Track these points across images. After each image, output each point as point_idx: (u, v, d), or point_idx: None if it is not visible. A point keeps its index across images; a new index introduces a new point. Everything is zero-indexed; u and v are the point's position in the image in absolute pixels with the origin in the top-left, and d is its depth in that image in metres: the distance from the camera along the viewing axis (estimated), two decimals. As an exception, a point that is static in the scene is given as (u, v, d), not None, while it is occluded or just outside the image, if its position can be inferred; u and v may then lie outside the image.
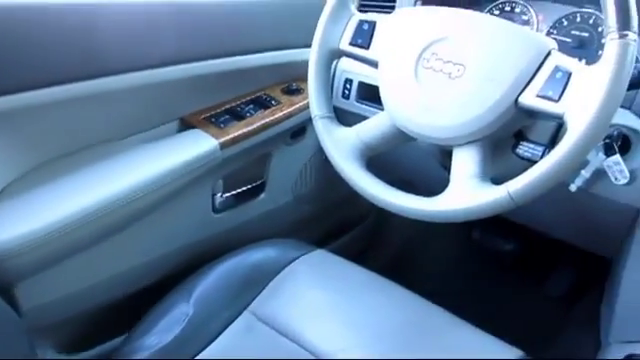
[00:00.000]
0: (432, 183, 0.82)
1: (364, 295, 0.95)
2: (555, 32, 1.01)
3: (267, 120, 1.13)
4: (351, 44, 0.90)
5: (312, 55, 0.92)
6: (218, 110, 1.13)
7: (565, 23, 1.01)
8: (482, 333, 0.88)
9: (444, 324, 0.90)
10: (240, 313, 0.91)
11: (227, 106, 1.15)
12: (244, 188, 1.19)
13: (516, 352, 0.84)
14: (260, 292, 0.95)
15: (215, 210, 1.14)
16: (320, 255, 1.05)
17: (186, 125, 1.10)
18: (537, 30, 1.04)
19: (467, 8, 0.83)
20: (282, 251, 1.04)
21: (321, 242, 1.41)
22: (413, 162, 1.10)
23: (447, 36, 0.80)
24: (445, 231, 1.62)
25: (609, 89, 0.66)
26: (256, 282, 0.96)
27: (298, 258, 1.01)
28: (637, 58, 0.86)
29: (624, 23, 0.66)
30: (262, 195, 1.22)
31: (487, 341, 0.87)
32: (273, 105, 1.16)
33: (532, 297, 1.51)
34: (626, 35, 0.66)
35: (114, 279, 1.02)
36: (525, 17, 1.06)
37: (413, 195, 0.81)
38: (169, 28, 1.03)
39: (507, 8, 1.08)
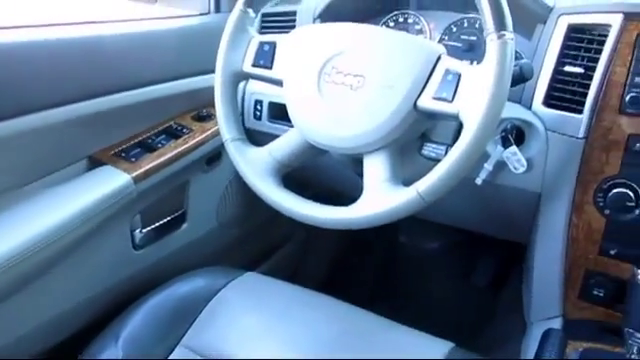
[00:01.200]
0: (351, 192, 0.84)
1: (298, 312, 0.96)
2: (446, 38, 1.08)
3: (180, 149, 1.11)
4: (254, 65, 0.91)
5: (216, 80, 0.93)
6: (128, 144, 1.11)
7: (454, 29, 1.07)
8: (414, 331, 0.91)
9: (378, 328, 0.92)
10: (173, 348, 0.89)
11: (137, 139, 1.12)
12: (164, 220, 1.17)
13: (447, 344, 0.87)
14: (192, 324, 0.92)
15: (135, 247, 1.11)
16: (250, 278, 1.04)
17: (95, 163, 1.06)
18: (430, 38, 1.10)
19: (364, 22, 0.87)
20: (210, 279, 1.02)
21: (252, 265, 1.40)
22: (331, 174, 1.12)
23: (345, 50, 0.84)
24: (374, 239, 1.66)
25: (494, 86, 0.71)
26: (186, 314, 0.94)
27: (228, 284, 1.00)
28: (518, 55, 0.95)
29: (500, 24, 0.71)
30: (184, 225, 1.20)
31: (419, 338, 0.89)
32: (185, 133, 1.15)
33: (461, 290, 1.57)
34: (503, 35, 0.71)
35: (37, 331, 0.96)
36: (418, 27, 1.12)
37: (329, 206, 0.83)
38: (70, 64, 1.00)
39: (401, 19, 1.14)
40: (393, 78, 0.78)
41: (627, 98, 0.83)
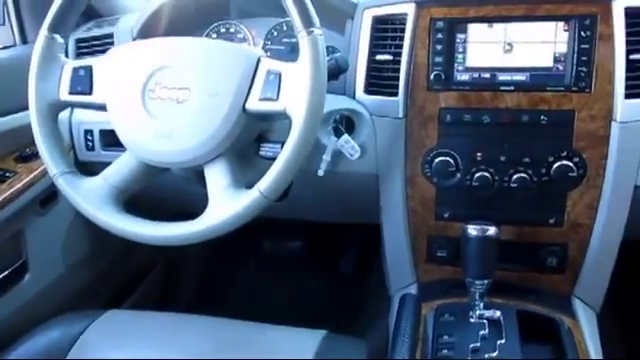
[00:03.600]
0: (203, 206, 0.83)
1: (168, 338, 0.92)
2: (269, 43, 1.12)
3: (5, 195, 1.02)
4: (71, 93, 0.87)
5: (31, 114, 0.87)
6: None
7: (275, 33, 1.11)
8: (288, 328, 0.92)
9: (251, 334, 0.92)
10: None
11: (-45, 192, 1.01)
12: (1, 276, 1.06)
13: (320, 333, 0.90)
14: None
15: (-28, 310, 1.00)
16: (112, 316, 0.98)
17: None
18: (254, 45, 1.13)
19: (187, 35, 0.87)
20: (67, 327, 0.94)
21: (114, 303, 1.33)
22: (178, 192, 1.10)
23: (167, 64, 0.83)
24: (238, 249, 1.66)
25: (312, 80, 0.75)
26: None
27: (87, 328, 0.93)
28: (333, 49, 1.01)
29: (307, 22, 0.76)
30: (27, 276, 1.10)
31: (293, 333, 0.91)
32: (8, 177, 1.05)
33: (330, 280, 1.63)
34: (312, 31, 0.76)
35: None
36: (240, 35, 1.14)
37: (176, 222, 0.81)
38: None
39: (222, 30, 1.15)
40: (217, 86, 0.79)
41: (431, 77, 0.93)
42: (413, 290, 1.03)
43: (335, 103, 0.97)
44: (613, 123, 0.88)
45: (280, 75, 0.78)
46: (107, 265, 1.33)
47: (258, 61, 0.80)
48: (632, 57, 0.86)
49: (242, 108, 0.80)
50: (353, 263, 1.63)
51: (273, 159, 0.78)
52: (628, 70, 0.87)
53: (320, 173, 0.97)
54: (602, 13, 0.87)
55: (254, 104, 0.79)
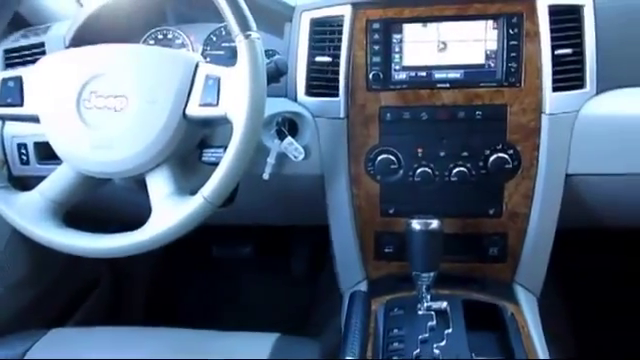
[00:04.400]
0: (147, 215, 0.82)
1: (118, 353, 0.90)
2: (209, 48, 1.11)
3: None
4: (1, 105, 0.83)
5: None
6: None
7: (214, 39, 1.11)
8: (241, 333, 0.92)
9: (204, 342, 0.91)
10: None
11: None
12: None
13: (273, 336, 0.90)
14: None
15: None
16: (56, 335, 0.95)
17: None
18: (193, 50, 1.12)
19: (123, 42, 0.85)
20: (8, 349, 0.90)
21: (61, 320, 1.28)
22: (121, 202, 1.07)
23: (103, 72, 0.81)
24: (188, 258, 1.64)
25: (251, 83, 0.75)
26: None
27: (30, 349, 0.90)
28: (272, 53, 1.01)
29: (244, 26, 0.76)
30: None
31: (245, 338, 0.91)
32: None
33: (284, 283, 1.63)
34: (249, 35, 0.76)
35: None
36: (179, 41, 1.12)
37: (119, 233, 0.80)
38: None
39: (160, 36, 1.13)
40: (155, 93, 0.78)
41: (370, 77, 0.95)
42: (363, 287, 1.04)
43: (277, 106, 0.97)
44: (543, 115, 0.92)
45: (219, 80, 0.78)
46: (50, 282, 1.28)
47: (196, 66, 0.80)
48: (557, 52, 0.91)
49: (182, 114, 0.79)
50: (304, 264, 1.64)
51: (216, 164, 0.78)
52: (554, 65, 0.91)
53: (265, 176, 0.97)
54: (527, 11, 0.92)
55: (194, 110, 0.79)
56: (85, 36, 1.07)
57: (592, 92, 0.92)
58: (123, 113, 0.79)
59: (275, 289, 1.61)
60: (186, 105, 0.79)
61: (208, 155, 0.89)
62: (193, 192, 0.80)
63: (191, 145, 0.88)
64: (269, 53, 1.01)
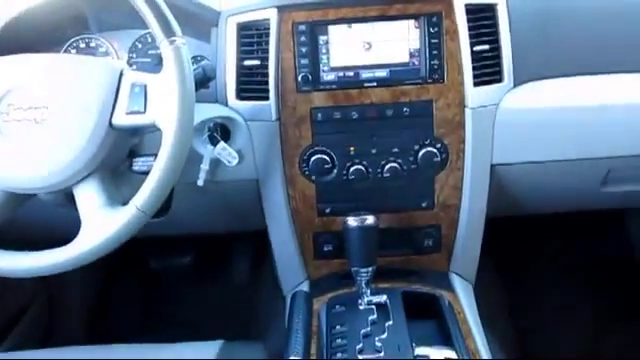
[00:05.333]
0: (78, 229, 0.79)
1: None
2: (135, 56, 1.08)
3: None
4: None
5: None
6: None
7: (140, 46, 1.08)
8: (184, 344, 0.91)
9: (147, 356, 0.89)
10: None
11: None
12: None
13: (217, 343, 0.89)
14: None
15: None
16: None
17: None
18: (118, 58, 1.09)
19: (42, 52, 0.82)
20: None
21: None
22: (50, 218, 1.03)
23: (20, 84, 0.78)
24: (125, 272, 1.59)
25: (179, 89, 0.74)
26: None
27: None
28: (200, 58, 1.01)
29: (168, 31, 0.75)
30: None
31: (189, 347, 0.89)
32: None
33: (227, 291, 1.61)
34: (174, 41, 0.75)
35: None
36: (103, 49, 1.09)
37: (49, 250, 0.77)
38: None
39: (82, 45, 1.09)
40: (78, 103, 0.76)
41: (299, 78, 0.96)
42: (305, 287, 1.05)
43: (208, 111, 0.96)
44: (466, 109, 0.96)
45: (146, 87, 0.77)
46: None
47: (121, 74, 0.78)
48: (476, 49, 0.96)
49: (109, 123, 0.77)
50: (246, 270, 1.63)
51: (147, 173, 0.76)
52: (474, 61, 0.95)
53: (200, 183, 0.96)
54: (446, 10, 0.96)
55: (121, 118, 0.77)
56: (2, 47, 1.02)
57: (510, 85, 0.97)
58: (45, 125, 0.76)
59: (218, 298, 1.59)
60: (112, 114, 0.77)
61: (139, 164, 0.87)
62: (125, 203, 0.78)
63: (120, 155, 0.86)
64: (197, 59, 1.00)
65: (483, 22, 0.96)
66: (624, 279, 1.60)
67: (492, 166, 1.00)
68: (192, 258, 1.56)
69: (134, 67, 1.04)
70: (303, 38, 0.96)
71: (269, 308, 1.35)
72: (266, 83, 0.96)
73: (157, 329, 1.49)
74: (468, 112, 0.96)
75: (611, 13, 1.02)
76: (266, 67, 0.96)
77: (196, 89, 0.80)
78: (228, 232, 1.30)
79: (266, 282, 1.56)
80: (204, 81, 0.89)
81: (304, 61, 0.96)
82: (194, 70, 0.83)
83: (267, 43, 0.96)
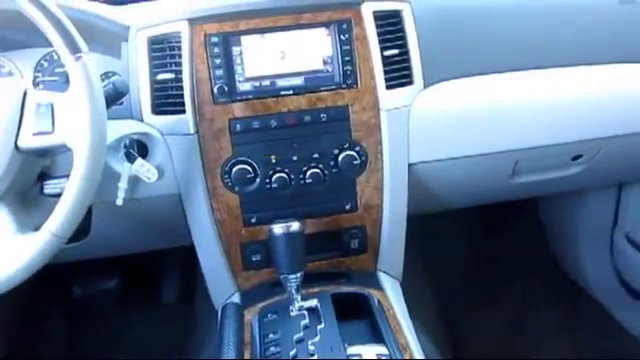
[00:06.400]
0: None
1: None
2: (41, 75, 1.03)
3: None
4: None
5: None
6: None
7: (46, 64, 1.03)
8: None
9: None
10: None
11: None
12: None
13: None
14: None
15: None
16: None
17: None
18: (22, 77, 1.04)
19: None
20: None
21: None
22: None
23: None
24: (47, 302, 1.51)
25: (89, 106, 0.72)
26: None
27: None
28: (110, 74, 0.98)
29: (72, 48, 0.73)
30: None
31: None
32: None
33: (160, 313, 1.57)
34: (80, 57, 0.73)
35: None
36: (6, 69, 1.03)
37: None
38: None
39: (-17, 65, 1.04)
40: None
41: (215, 90, 0.96)
42: (236, 299, 1.04)
43: (123, 128, 0.94)
44: (381, 112, 1.00)
45: (53, 106, 0.74)
46: None
47: (25, 94, 0.75)
48: (386, 53, 0.99)
49: (14, 146, 0.74)
50: (177, 288, 1.59)
51: (60, 195, 0.73)
52: (385, 65, 0.99)
53: (119, 202, 0.93)
54: (355, 18, 0.99)
55: (27, 140, 0.74)
56: None
57: (420, 87, 1.02)
58: None
59: (150, 319, 1.54)
60: (17, 136, 0.74)
61: (50, 187, 0.83)
62: (38, 228, 0.75)
63: (29, 178, 0.82)
64: (108, 75, 0.97)
65: (391, 28, 1.00)
66: (540, 266, 1.71)
67: (410, 165, 1.04)
68: (118, 281, 1.51)
69: (41, 86, 1.00)
70: (216, 49, 0.96)
71: (203, 324, 1.33)
72: (181, 96, 0.95)
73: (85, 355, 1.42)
74: (383, 114, 1.00)
75: (513, 14, 1.09)
76: (180, 80, 0.95)
77: (108, 106, 0.78)
78: (154, 251, 1.27)
79: (198, 298, 1.53)
80: (115, 97, 0.86)
81: (219, 72, 0.96)
82: (104, 86, 0.80)
83: (180, 56, 0.95)
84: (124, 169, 0.93)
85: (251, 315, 0.96)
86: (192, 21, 0.95)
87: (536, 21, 1.10)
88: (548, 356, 1.43)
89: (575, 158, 1.18)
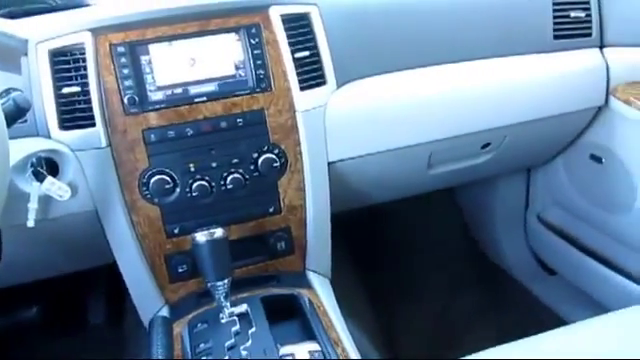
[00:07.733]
0: None
1: None
2: None
3: None
4: None
5: None
6: None
7: None
8: None
9: None
10: None
11: None
12: None
13: None
14: None
15: None
16: None
17: None
18: None
19: None
20: None
21: None
22: None
23: None
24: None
25: None
26: None
27: None
28: (13, 90, 0.93)
29: None
30: None
31: None
32: None
33: (88, 336, 1.50)
34: None
35: None
36: None
37: None
38: None
39: None
40: None
41: (126, 101, 0.93)
42: (165, 312, 1.02)
43: (28, 146, 0.90)
44: (297, 114, 1.01)
45: None
46: None
47: None
48: (297, 56, 1.01)
49: None
50: (103, 308, 1.53)
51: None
52: (297, 67, 1.00)
53: (30, 224, 0.89)
54: (264, 22, 0.99)
55: None
56: None
57: (333, 87, 1.04)
58: None
59: (77, 344, 1.47)
60: None
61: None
62: None
63: None
64: (9, 91, 0.92)
65: (300, 30, 1.01)
66: (462, 252, 1.79)
67: (329, 164, 1.06)
68: (39, 309, 1.43)
69: None
70: (123, 59, 0.93)
71: (133, 342, 1.29)
72: (90, 109, 0.92)
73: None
74: (299, 116, 1.01)
75: (422, 11, 1.13)
76: (87, 93, 0.92)
77: (9, 124, 0.74)
78: (76, 271, 1.22)
79: (127, 315, 1.48)
80: (18, 114, 0.82)
81: (128, 83, 0.94)
82: (3, 104, 0.76)
83: (85, 68, 0.92)
84: (33, 189, 0.89)
85: (180, 327, 0.94)
86: (95, 31, 0.93)
87: (440, 19, 1.15)
88: (477, 338, 1.50)
89: (484, 146, 1.25)
